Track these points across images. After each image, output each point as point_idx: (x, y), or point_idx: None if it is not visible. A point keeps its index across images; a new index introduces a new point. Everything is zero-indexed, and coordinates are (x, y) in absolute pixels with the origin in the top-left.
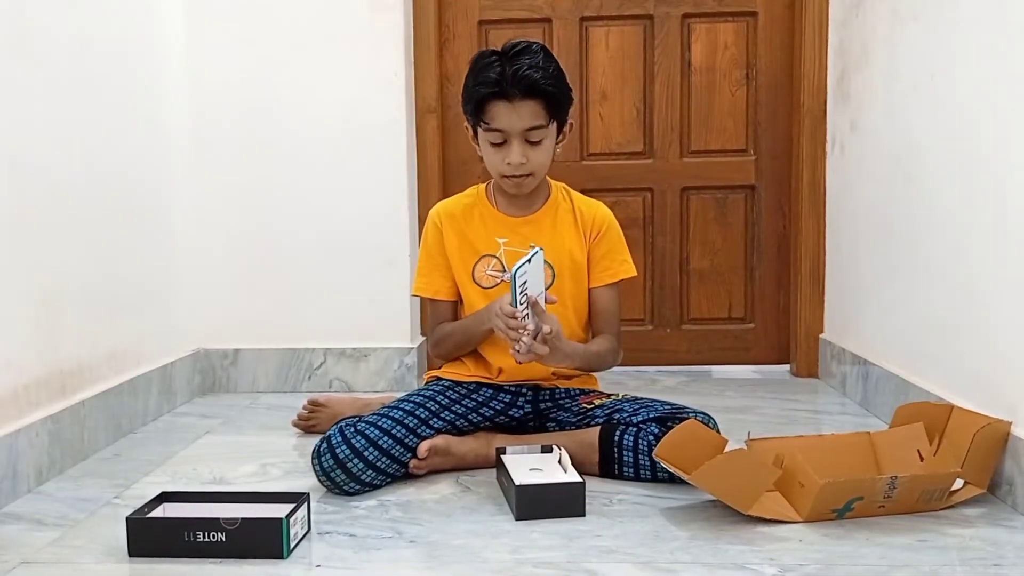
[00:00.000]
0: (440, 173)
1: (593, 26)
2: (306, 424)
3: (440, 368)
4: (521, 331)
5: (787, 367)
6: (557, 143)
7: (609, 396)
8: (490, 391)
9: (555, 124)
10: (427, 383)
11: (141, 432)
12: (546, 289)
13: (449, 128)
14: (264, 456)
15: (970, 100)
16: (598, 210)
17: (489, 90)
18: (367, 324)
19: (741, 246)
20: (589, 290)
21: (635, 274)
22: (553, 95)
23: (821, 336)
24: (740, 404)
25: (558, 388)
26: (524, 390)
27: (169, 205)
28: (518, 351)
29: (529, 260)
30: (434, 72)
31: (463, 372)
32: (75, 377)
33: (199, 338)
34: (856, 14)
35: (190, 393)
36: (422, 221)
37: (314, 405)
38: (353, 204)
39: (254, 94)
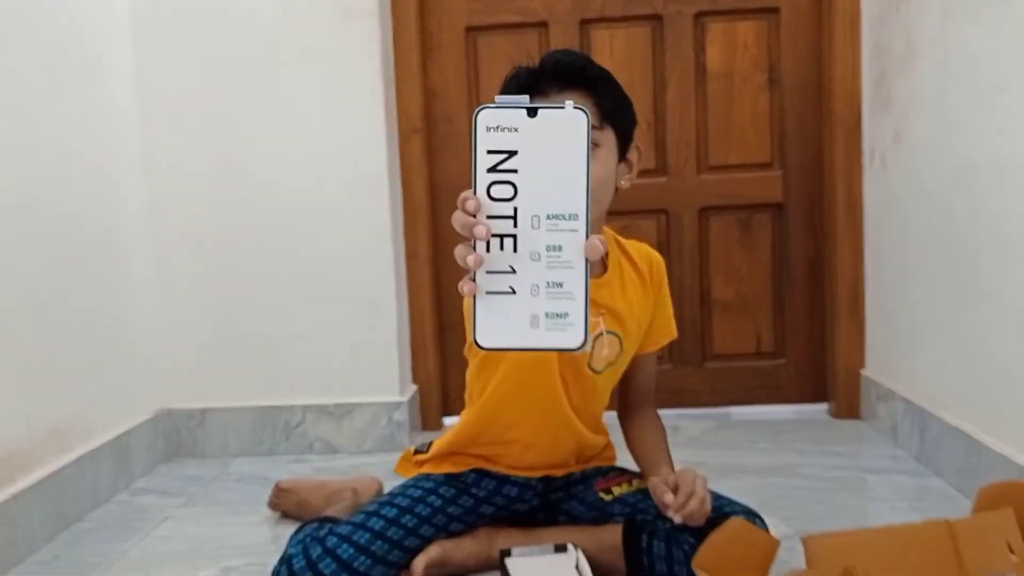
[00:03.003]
0: (428, 199)
1: (595, 29)
2: (276, 508)
3: (428, 453)
4: (479, 232)
5: (824, 406)
6: (621, 165)
7: (631, 480)
8: (493, 483)
9: (613, 134)
10: (414, 478)
11: (90, 519)
12: (607, 368)
13: (437, 148)
14: (227, 554)
15: None
16: (652, 256)
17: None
18: (350, 376)
19: (768, 272)
20: (636, 357)
21: (676, 336)
22: (605, 83)
23: (862, 372)
24: (776, 461)
25: (573, 473)
26: (534, 482)
27: (122, 248)
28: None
29: (530, 113)
30: (418, 87)
31: (460, 463)
32: (3, 466)
33: (162, 397)
34: (896, 9)
35: (151, 461)
36: (409, 254)
37: (279, 491)
38: (330, 239)
39: (213, 121)
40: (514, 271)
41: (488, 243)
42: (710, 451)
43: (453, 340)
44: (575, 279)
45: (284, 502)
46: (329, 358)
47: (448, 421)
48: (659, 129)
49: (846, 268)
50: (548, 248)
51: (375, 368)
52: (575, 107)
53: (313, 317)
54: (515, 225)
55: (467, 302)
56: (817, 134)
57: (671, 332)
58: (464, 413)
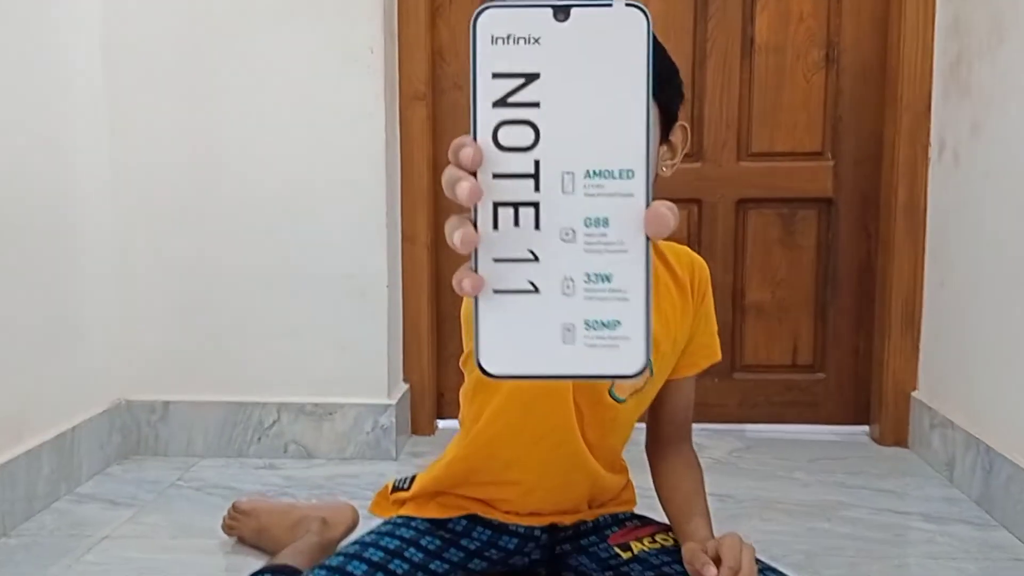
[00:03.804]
0: (430, 176)
1: None
2: (231, 532)
3: (410, 491)
4: (469, 193)
5: (865, 429)
6: (663, 148)
7: (653, 534)
8: (488, 533)
9: (656, 109)
10: (393, 520)
11: (17, 534)
12: (632, 396)
13: (442, 119)
14: None
15: None
16: (694, 261)
17: None
18: (332, 372)
19: (811, 275)
20: (669, 381)
21: (719, 358)
22: None
23: (913, 395)
24: (816, 497)
25: (584, 521)
26: (537, 532)
27: (76, 222)
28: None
29: (559, 14)
30: (424, 47)
31: (449, 505)
32: None
33: (119, 387)
34: None
35: (103, 461)
36: (405, 237)
37: (237, 512)
38: (315, 217)
39: (186, 77)
40: (536, 258)
41: (495, 214)
42: (738, 479)
43: (452, 334)
44: (631, 268)
45: (241, 526)
46: (310, 351)
47: (443, 424)
48: (696, 108)
49: (902, 276)
50: (588, 222)
51: (361, 364)
52: (628, 3)
53: (293, 304)
54: (536, 187)
55: (467, 302)
56: (877, 122)
57: (713, 353)
58: (455, 442)
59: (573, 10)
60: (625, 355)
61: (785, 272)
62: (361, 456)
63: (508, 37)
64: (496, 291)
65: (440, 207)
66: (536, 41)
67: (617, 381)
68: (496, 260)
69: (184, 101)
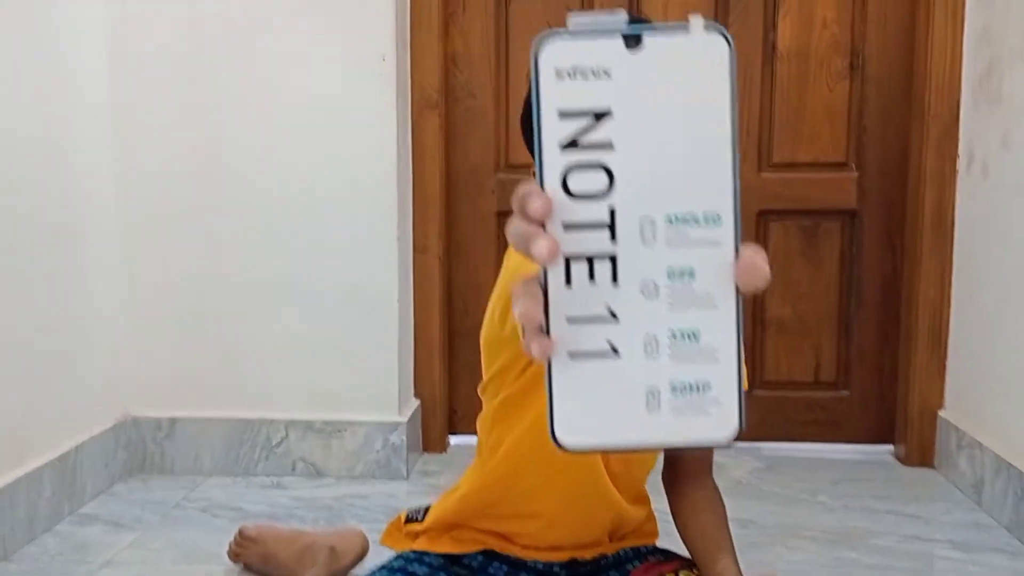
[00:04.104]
0: (443, 186)
1: None
2: (237, 559)
3: (424, 523)
4: (543, 251)
5: (890, 448)
6: None
7: (676, 570)
8: (505, 568)
9: None
10: (406, 554)
11: (17, 559)
12: None
13: (456, 128)
14: None
15: None
16: None
17: None
18: (342, 388)
19: (834, 290)
20: None
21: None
22: None
23: (940, 414)
24: (842, 523)
25: (604, 555)
26: (556, 568)
27: (82, 233)
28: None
29: (631, 41)
30: (437, 54)
31: (464, 539)
32: None
33: (126, 403)
34: None
35: (108, 479)
36: (417, 249)
37: (243, 538)
38: (324, 229)
39: (193, 87)
40: (615, 316)
41: (567, 270)
42: (760, 503)
43: (464, 348)
44: (720, 325)
45: (247, 553)
46: (318, 365)
47: (455, 441)
48: None
49: (929, 290)
50: (672, 274)
51: (372, 380)
52: (708, 25)
53: (302, 318)
54: (613, 238)
55: (488, 326)
56: (903, 132)
57: (742, 380)
58: (471, 472)
59: (646, 38)
60: (716, 420)
61: (807, 286)
62: (371, 475)
63: (574, 70)
64: (571, 354)
65: (453, 217)
66: (606, 74)
67: None
68: (570, 320)
69: (191, 111)
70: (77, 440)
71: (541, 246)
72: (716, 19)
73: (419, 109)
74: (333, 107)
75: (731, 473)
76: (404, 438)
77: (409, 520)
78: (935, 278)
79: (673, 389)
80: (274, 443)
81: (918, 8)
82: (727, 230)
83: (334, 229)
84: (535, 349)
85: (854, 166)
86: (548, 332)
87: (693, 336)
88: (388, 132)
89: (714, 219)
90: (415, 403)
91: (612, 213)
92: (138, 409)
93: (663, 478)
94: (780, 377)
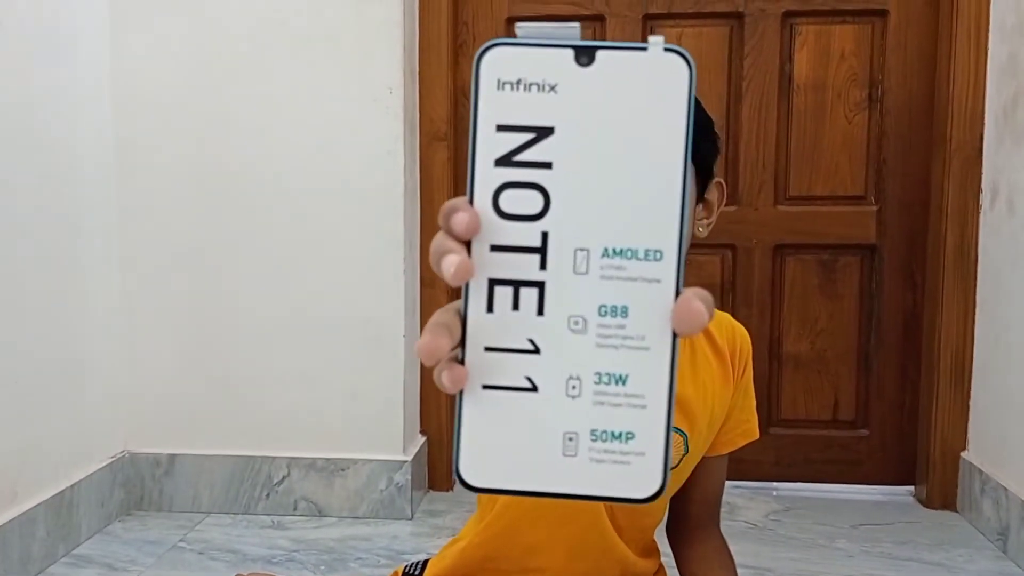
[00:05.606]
0: None
1: (661, 26)
2: None
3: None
4: (459, 270)
5: (910, 490)
6: (699, 208)
7: None
8: None
9: (692, 167)
10: None
11: None
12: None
13: (464, 159)
14: None
15: None
16: (736, 330)
17: None
18: (345, 426)
19: (853, 326)
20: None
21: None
22: None
23: (963, 455)
24: (862, 572)
25: None
26: None
27: (80, 262)
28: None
29: (581, 56)
30: (446, 86)
31: (469, 570)
32: None
33: (123, 439)
34: None
35: (105, 518)
36: (424, 282)
37: None
38: (329, 261)
39: (199, 118)
40: (537, 349)
41: (490, 294)
42: (777, 549)
43: None
44: (651, 370)
45: None
46: (321, 403)
47: None
48: (731, 149)
49: (951, 328)
50: (603, 310)
51: (376, 417)
52: (667, 47)
53: (305, 353)
54: (543, 265)
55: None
56: (924, 165)
57: (751, 431)
58: (471, 525)
59: (599, 53)
60: (637, 475)
61: (825, 322)
62: (375, 515)
63: (519, 82)
64: (485, 386)
65: None
66: (552, 89)
67: None
68: (488, 349)
69: (196, 142)
70: (73, 478)
71: (450, 262)
72: (731, 50)
73: (427, 141)
74: (340, 139)
75: (747, 515)
76: (409, 477)
77: (407, 574)
78: (957, 315)
79: (593, 436)
80: (275, 481)
81: (940, 38)
82: (668, 268)
83: (340, 261)
84: (445, 378)
85: (873, 199)
86: (463, 361)
87: (621, 379)
88: (396, 164)
89: (655, 255)
90: (421, 440)
91: (544, 238)
92: (136, 445)
93: (667, 529)
94: (797, 415)
